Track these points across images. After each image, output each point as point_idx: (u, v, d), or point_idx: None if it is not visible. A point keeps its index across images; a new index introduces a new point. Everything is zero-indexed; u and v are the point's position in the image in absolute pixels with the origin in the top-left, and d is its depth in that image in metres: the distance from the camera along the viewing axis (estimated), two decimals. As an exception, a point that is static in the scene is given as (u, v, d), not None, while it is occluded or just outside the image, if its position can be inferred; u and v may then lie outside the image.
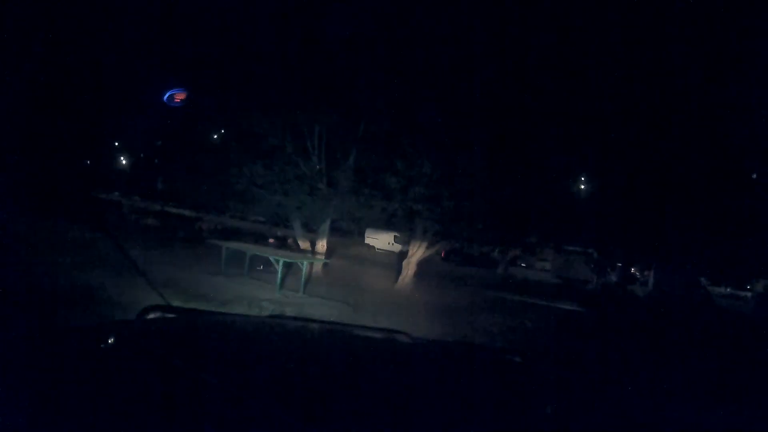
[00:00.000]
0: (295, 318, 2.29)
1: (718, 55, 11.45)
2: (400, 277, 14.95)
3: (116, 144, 30.37)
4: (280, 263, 10.68)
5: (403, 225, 14.97)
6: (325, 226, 14.71)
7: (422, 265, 15.42)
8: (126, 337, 1.46)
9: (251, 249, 12.20)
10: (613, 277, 28.06)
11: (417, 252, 14.91)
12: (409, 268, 14.95)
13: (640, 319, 14.67)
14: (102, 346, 1.40)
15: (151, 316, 1.71)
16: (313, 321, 2.24)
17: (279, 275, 10.59)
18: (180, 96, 8.42)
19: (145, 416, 0.97)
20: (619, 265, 32.51)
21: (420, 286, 14.92)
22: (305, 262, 11.49)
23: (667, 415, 1.63)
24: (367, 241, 31.85)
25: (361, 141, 12.70)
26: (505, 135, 12.18)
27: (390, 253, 28.03)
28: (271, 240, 17.61)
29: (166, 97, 8.40)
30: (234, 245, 12.80)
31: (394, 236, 28.26)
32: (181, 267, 11.55)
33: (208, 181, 19.16)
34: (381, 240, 30.60)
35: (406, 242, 18.22)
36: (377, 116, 11.75)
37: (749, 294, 31.69)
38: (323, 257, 14.70)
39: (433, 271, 18.46)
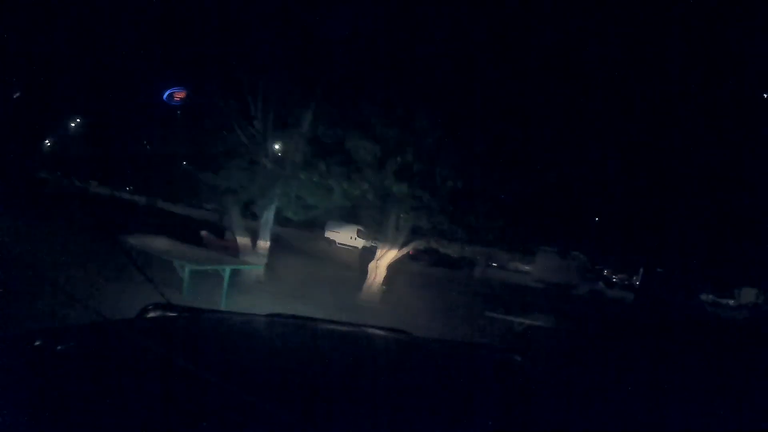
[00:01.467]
0: (294, 317, 1.99)
1: (717, 56, 11.30)
2: (366, 285, 11.58)
3: (73, 125, 26.86)
4: (186, 271, 7.15)
5: (372, 217, 11.62)
6: (269, 215, 11.17)
7: (391, 268, 12.16)
8: (126, 335, 1.39)
9: (157, 247, 8.52)
10: (601, 283, 25.61)
11: (388, 253, 11.58)
12: (377, 273, 11.60)
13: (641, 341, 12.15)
14: (102, 344, 1.35)
15: (151, 314, 1.68)
16: (314, 320, 2.07)
17: (184, 285, 7.08)
18: (180, 95, 7.76)
19: (146, 415, 0.95)
20: (598, 267, 30.37)
21: (390, 299, 11.62)
22: (227, 269, 7.95)
23: (666, 414, 1.64)
24: (327, 235, 28.36)
25: (322, 95, 9.13)
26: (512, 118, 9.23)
27: (353, 249, 24.70)
28: (204, 233, 13.84)
29: (165, 95, 7.74)
30: (138, 241, 9.13)
31: (358, 230, 24.78)
32: (69, 266, 7.91)
33: (140, 159, 16.05)
34: (343, 234, 27.06)
35: (372, 237, 14.83)
36: (345, 54, 8.23)
37: (731, 302, 30.50)
38: (264, 258, 11.18)
39: (403, 275, 15.18)
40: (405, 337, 2.05)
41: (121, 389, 1.05)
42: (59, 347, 1.28)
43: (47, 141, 26.77)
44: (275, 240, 12.21)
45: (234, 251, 11.55)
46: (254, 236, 11.55)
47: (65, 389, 1.02)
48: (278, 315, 2.08)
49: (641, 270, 24.23)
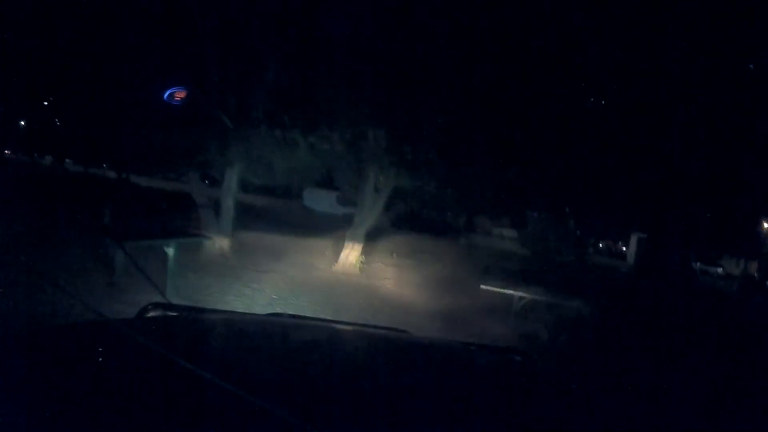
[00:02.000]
0: (295, 316, 1.99)
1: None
2: (342, 255, 10.48)
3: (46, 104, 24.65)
4: (118, 249, 5.96)
5: (349, 179, 10.47)
6: (231, 180, 9.92)
7: (371, 235, 11.11)
8: (126, 335, 1.33)
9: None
10: (591, 251, 24.90)
11: (366, 219, 10.48)
12: (355, 241, 10.52)
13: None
14: (101, 344, 1.30)
15: (152, 314, 1.67)
16: (314, 319, 2.12)
17: (117, 266, 5.88)
18: (180, 94, 7.44)
19: (145, 416, 0.95)
20: (582, 233, 29.71)
21: (370, 270, 10.58)
22: (172, 245, 6.76)
23: (667, 415, 1.69)
24: (305, 202, 27.07)
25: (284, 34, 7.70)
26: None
27: (333, 216, 23.50)
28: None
29: (166, 95, 7.47)
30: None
31: (337, 196, 23.54)
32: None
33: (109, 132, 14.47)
34: (321, 201, 25.73)
35: (352, 203, 13.63)
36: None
37: (719, 270, 30.19)
38: (227, 228, 9.98)
39: (384, 243, 14.12)
40: (406, 337, 2.05)
41: (120, 390, 1.03)
42: (57, 347, 1.25)
43: (22, 121, 24.87)
44: (249, 209, 11.06)
45: (194, 223, 10.36)
46: (218, 205, 10.34)
47: (64, 390, 1.00)
48: (279, 314, 2.08)
49: (633, 237, 23.53)
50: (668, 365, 6.88)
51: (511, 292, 7.87)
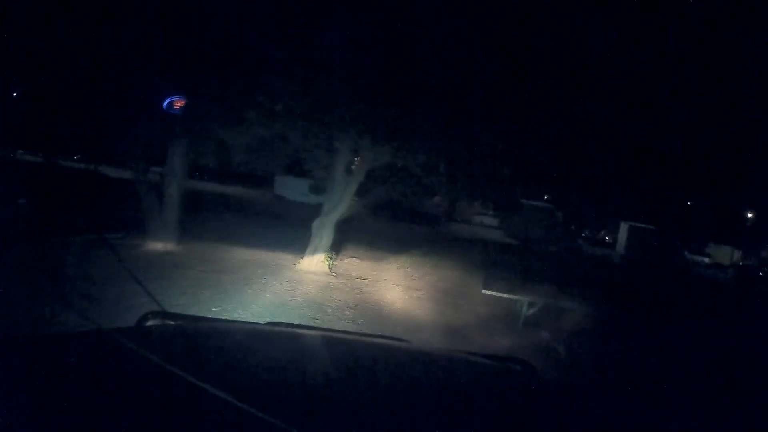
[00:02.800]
0: (295, 325, 2.00)
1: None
2: (308, 249, 8.97)
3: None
4: None
5: (317, 158, 9.05)
6: (175, 163, 8.34)
7: (342, 226, 9.70)
8: (125, 344, 1.31)
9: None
10: (580, 241, 23.92)
11: (338, 207, 9.04)
12: (323, 233, 9.05)
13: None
14: (100, 353, 1.30)
15: (151, 323, 1.66)
16: (314, 328, 2.18)
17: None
18: (179, 103, 6.98)
19: (144, 425, 0.95)
20: (568, 221, 28.88)
21: (340, 269, 9.11)
22: (82, 242, 5.27)
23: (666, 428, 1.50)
24: (277, 191, 25.45)
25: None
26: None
27: (306, 206, 21.95)
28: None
29: (165, 104, 7.04)
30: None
31: (309, 183, 21.98)
32: None
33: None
34: (293, 189, 24.08)
35: (326, 191, 12.13)
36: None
37: (706, 259, 29.97)
38: (172, 222, 8.45)
39: (358, 234, 12.76)
40: (405, 346, 2.01)
41: (119, 399, 1.02)
42: (55, 355, 1.24)
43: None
44: (213, 198, 9.52)
45: (139, 215, 8.82)
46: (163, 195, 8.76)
47: (63, 398, 0.99)
48: (278, 323, 2.07)
49: (623, 226, 22.61)
50: (683, 373, 6.04)
51: (515, 297, 6.48)
